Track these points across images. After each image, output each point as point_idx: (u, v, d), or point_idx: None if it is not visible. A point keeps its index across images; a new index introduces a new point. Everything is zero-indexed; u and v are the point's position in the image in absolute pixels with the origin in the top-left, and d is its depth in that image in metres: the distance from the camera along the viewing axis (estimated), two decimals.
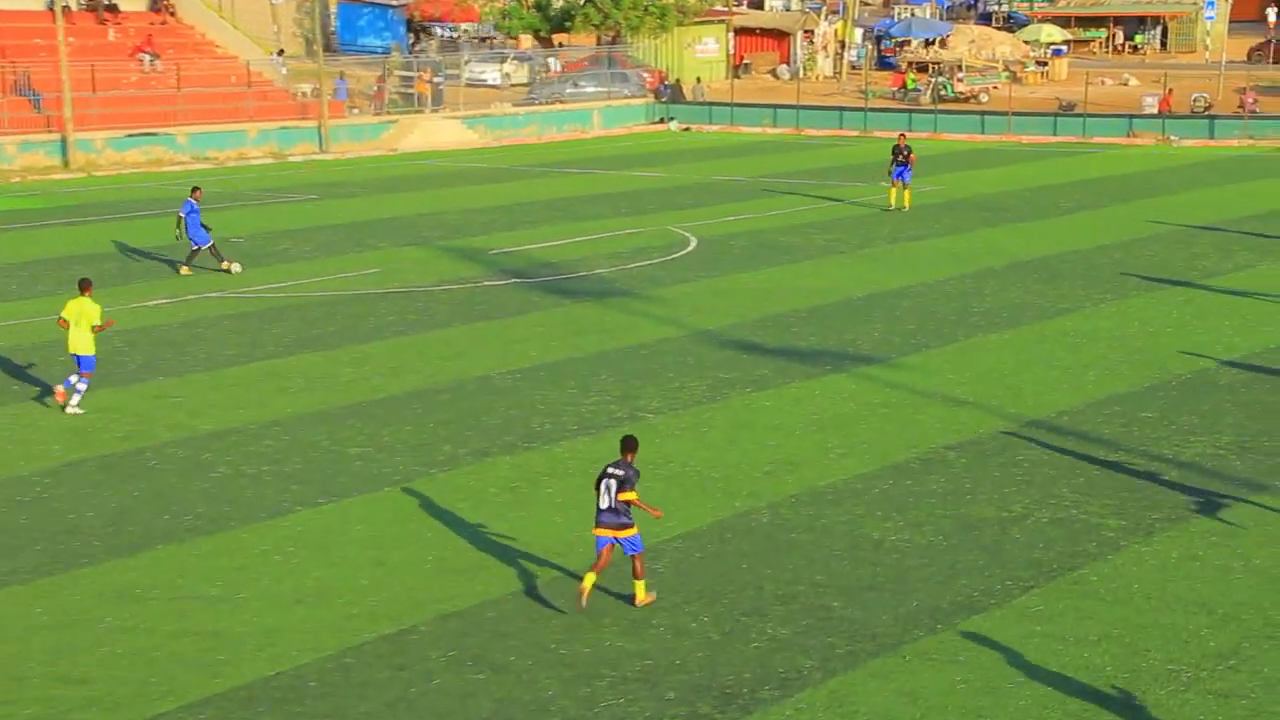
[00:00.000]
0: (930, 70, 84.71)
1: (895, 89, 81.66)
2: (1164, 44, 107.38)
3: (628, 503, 15.47)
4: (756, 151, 63.36)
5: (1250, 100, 68.58)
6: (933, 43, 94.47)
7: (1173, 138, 65.36)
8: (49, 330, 28.62)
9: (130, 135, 59.05)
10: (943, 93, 77.99)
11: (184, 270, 35.06)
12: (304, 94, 67.48)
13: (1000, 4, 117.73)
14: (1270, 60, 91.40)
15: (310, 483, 20.05)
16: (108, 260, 36.67)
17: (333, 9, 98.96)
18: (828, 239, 39.76)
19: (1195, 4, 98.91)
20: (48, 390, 24.58)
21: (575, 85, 77.86)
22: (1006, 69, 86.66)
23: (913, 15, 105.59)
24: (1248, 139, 64.39)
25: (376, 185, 53.10)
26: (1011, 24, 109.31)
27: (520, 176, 55.79)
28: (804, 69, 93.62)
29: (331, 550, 17.61)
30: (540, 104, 75.75)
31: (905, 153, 44.26)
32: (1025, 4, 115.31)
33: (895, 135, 48.25)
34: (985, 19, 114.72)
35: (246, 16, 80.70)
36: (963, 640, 14.92)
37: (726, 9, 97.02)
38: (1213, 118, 67.76)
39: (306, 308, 31.40)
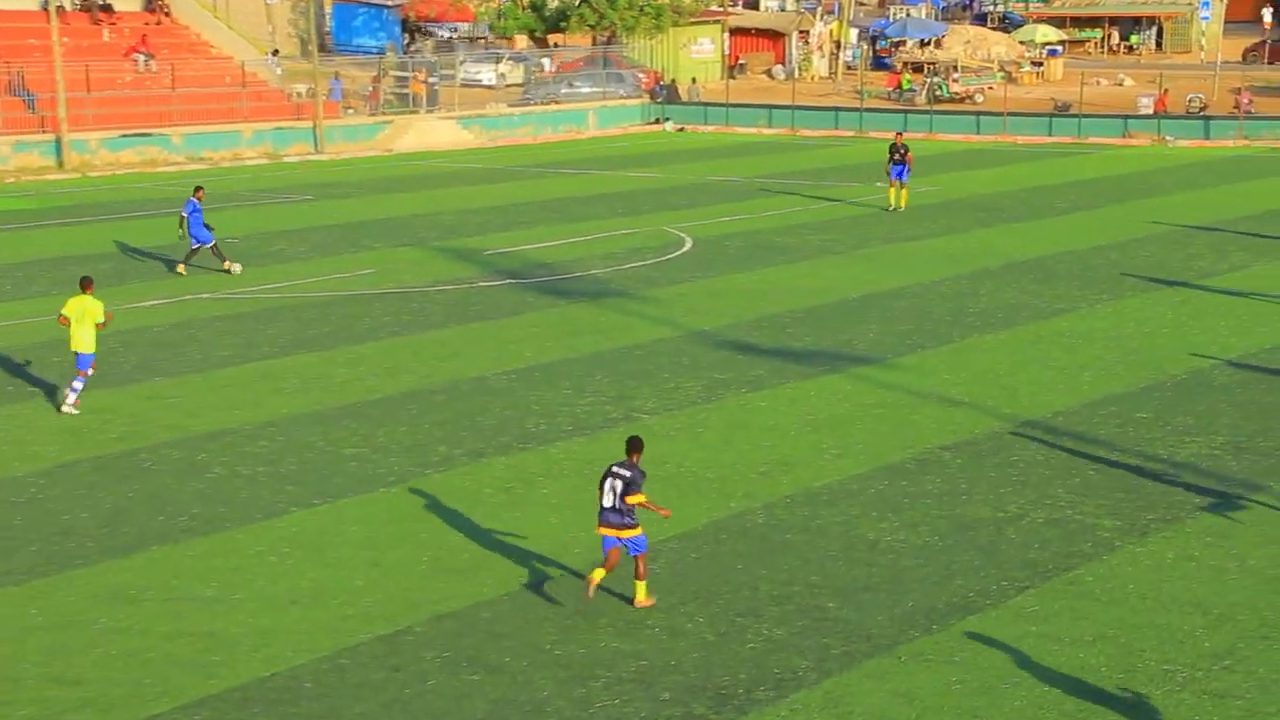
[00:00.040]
0: (925, 71, 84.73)
1: (891, 89, 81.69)
2: (1159, 44, 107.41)
3: (637, 505, 15.49)
4: (752, 152, 63.37)
5: (1245, 101, 68.63)
6: (928, 43, 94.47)
7: (1168, 138, 65.40)
8: (44, 331, 28.60)
9: (125, 136, 59.00)
10: (938, 93, 78.01)
11: (180, 269, 35.05)
12: (299, 94, 67.44)
13: (995, 4, 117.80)
14: (1265, 61, 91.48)
15: (305, 483, 20.04)
16: (103, 261, 36.62)
17: (328, 9, 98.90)
18: (823, 239, 39.77)
19: (1190, 4, 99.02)
20: (45, 391, 24.57)
21: (570, 86, 77.83)
22: (1002, 69, 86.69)
23: (908, 15, 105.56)
24: (1243, 139, 64.44)
25: (372, 186, 53.08)
26: (1007, 24, 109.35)
27: (515, 177, 55.78)
28: (799, 69, 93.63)
29: (327, 551, 17.60)
30: (535, 104, 75.74)
31: (902, 152, 44.30)
32: (1021, 4, 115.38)
33: (891, 135, 48.28)
34: (980, 19, 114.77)
35: (241, 17, 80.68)
36: (958, 641, 14.92)
37: (722, 9, 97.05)
38: (1208, 118, 67.83)
39: (301, 308, 31.38)
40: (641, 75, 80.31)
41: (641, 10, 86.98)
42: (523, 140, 70.29)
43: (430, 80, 71.21)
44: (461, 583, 16.57)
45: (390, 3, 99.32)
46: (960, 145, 65.92)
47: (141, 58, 63.64)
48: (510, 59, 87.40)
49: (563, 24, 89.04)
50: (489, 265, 36.39)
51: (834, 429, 22.39)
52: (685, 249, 38.38)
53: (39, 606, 16.04)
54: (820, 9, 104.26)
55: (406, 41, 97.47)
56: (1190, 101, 72.06)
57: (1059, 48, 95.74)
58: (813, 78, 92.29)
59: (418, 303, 31.85)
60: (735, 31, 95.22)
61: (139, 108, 60.40)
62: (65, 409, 23.29)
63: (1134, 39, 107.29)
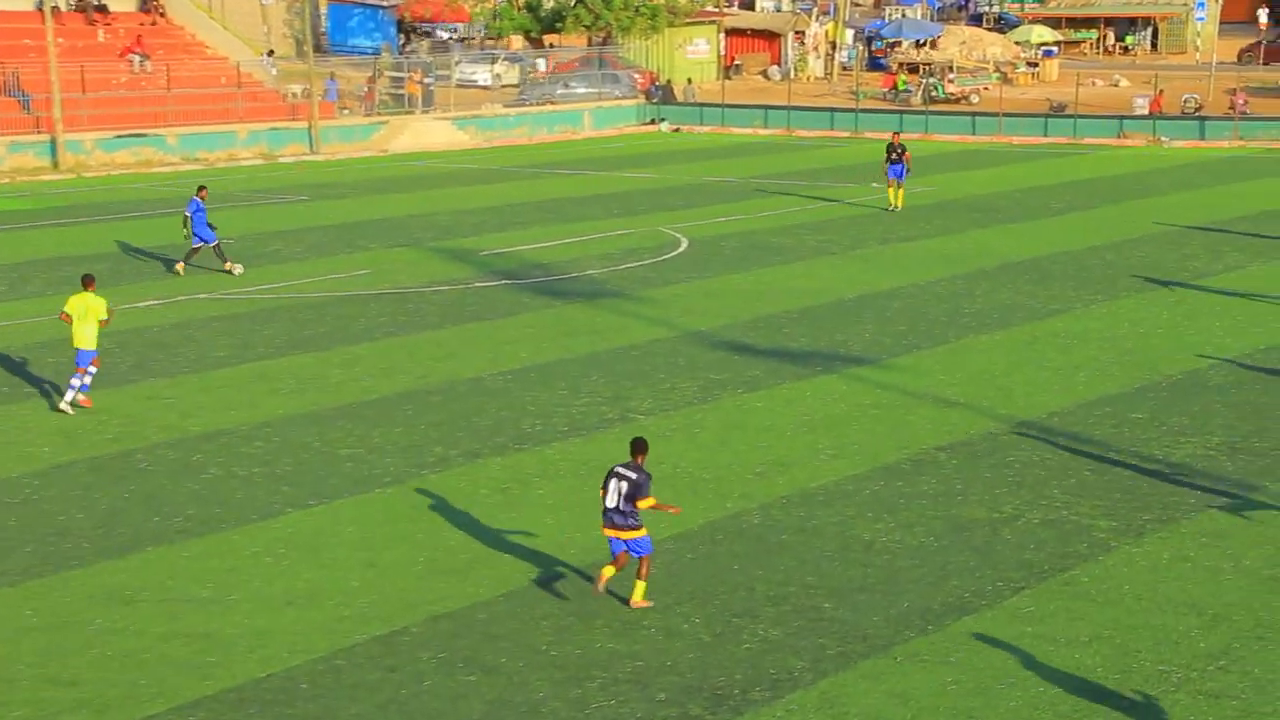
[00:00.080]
0: (921, 71, 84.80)
1: (886, 90, 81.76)
2: (1154, 45, 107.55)
3: (649, 508, 15.55)
4: (747, 152, 63.38)
5: (1240, 101, 68.70)
6: (924, 44, 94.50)
7: (1163, 139, 65.46)
8: (39, 331, 28.60)
9: (120, 136, 58.96)
10: (934, 94, 78.07)
11: (179, 268, 35.03)
12: (294, 95, 67.40)
13: (991, 5, 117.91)
14: (1260, 61, 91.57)
15: (301, 484, 20.03)
16: (98, 261, 36.55)
17: (323, 10, 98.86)
18: (819, 240, 39.78)
19: (1186, 5, 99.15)
20: (40, 392, 24.56)
21: (566, 86, 77.84)
22: (997, 70, 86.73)
23: (904, 16, 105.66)
24: (1238, 140, 64.51)
25: (367, 186, 53.06)
26: (1002, 25, 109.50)
27: (511, 177, 55.77)
28: (795, 70, 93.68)
29: (322, 552, 17.59)
30: (531, 105, 75.72)
31: (899, 151, 44.32)
32: (1016, 5, 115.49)
33: (889, 136, 48.27)
34: (976, 20, 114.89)
35: (236, 17, 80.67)
36: (954, 641, 14.93)
37: (717, 10, 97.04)
38: (1203, 119, 67.89)
39: (297, 309, 31.37)
40: (637, 76, 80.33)
41: (637, 11, 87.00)
42: (518, 141, 70.28)
43: (425, 81, 71.20)
44: (457, 583, 16.56)
45: (385, 3, 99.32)
46: (956, 146, 65.95)
47: (137, 58, 63.60)
48: (506, 59, 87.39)
49: (558, 24, 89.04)
50: (485, 266, 36.38)
51: (830, 429, 22.39)
52: (681, 249, 38.38)
53: (34, 607, 16.03)
54: (816, 10, 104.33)
55: (402, 42, 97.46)
56: (1185, 102, 72.14)
57: (1054, 48, 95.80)
58: (808, 78, 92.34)
59: (413, 303, 31.84)
60: (731, 32, 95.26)
61: (134, 108, 60.36)
62: (63, 405, 23.29)
63: (1129, 40, 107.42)
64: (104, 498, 19.55)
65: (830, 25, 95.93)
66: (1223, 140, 64.70)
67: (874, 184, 48.59)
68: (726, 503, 19.18)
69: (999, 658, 14.53)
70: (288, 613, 15.83)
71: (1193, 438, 21.82)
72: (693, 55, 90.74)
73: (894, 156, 44.24)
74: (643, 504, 15.47)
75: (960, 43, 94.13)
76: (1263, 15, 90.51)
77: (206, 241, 34.63)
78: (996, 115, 70.22)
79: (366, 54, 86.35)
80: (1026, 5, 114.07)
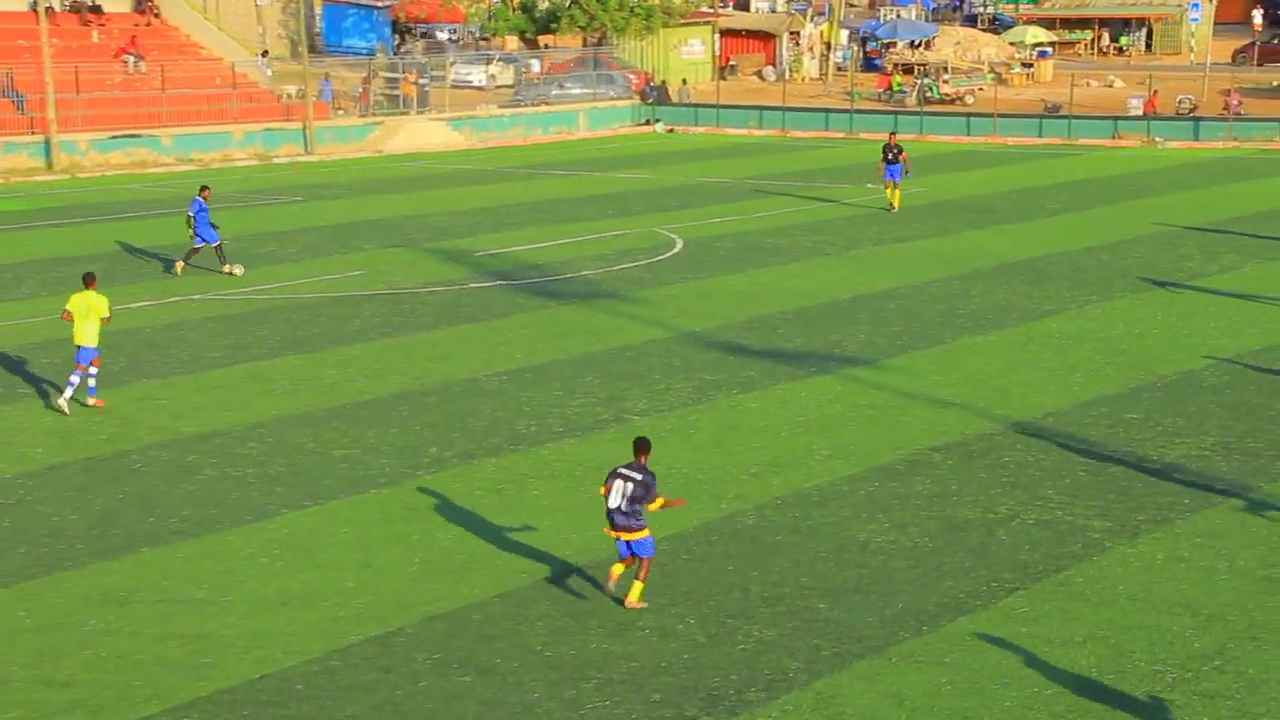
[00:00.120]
0: (916, 72, 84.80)
1: (881, 91, 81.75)
2: (1149, 46, 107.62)
3: (659, 509, 15.60)
4: (742, 153, 63.39)
5: (1235, 102, 68.74)
6: (918, 45, 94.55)
7: (1158, 139, 65.50)
8: (33, 332, 28.58)
9: (114, 137, 58.89)
10: (928, 94, 78.08)
11: (178, 268, 34.97)
12: (289, 95, 67.34)
13: (985, 6, 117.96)
14: (1255, 62, 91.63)
15: (295, 485, 20.01)
16: (92, 262, 36.42)
17: (318, 10, 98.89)
18: (814, 240, 39.79)
19: (1180, 6, 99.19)
20: (34, 392, 24.53)
21: (561, 87, 77.83)
22: (992, 71, 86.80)
23: (898, 17, 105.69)
24: (1232, 141, 64.55)
25: (362, 187, 53.04)
26: (997, 26, 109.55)
27: (506, 178, 55.76)
28: (790, 71, 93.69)
29: (317, 553, 17.57)
30: (526, 106, 75.71)
31: (895, 152, 44.32)
32: (1010, 6, 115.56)
33: (885, 136, 48.21)
34: (970, 21, 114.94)
35: (231, 18, 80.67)
36: (949, 642, 14.93)
37: (712, 10, 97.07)
38: (1198, 119, 67.91)
39: (291, 309, 31.34)
40: (632, 76, 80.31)
41: (632, 11, 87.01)
42: (513, 141, 70.25)
43: (421, 81, 71.16)
44: (452, 584, 16.55)
45: (380, 4, 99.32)
46: (951, 147, 65.97)
47: (131, 59, 63.53)
48: (501, 60, 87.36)
49: (553, 25, 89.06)
50: (480, 266, 36.36)
51: (824, 430, 22.39)
52: (676, 250, 38.38)
53: (28, 608, 16.00)
54: (811, 10, 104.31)
55: (397, 43, 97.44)
56: (1180, 103, 72.17)
57: (1049, 49, 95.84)
58: (803, 79, 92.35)
59: (408, 304, 31.82)
60: (726, 33, 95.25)
61: (128, 109, 60.30)
62: (60, 403, 23.28)
63: (1124, 40, 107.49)
64: (98, 499, 19.53)
65: (825, 26, 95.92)
66: (1217, 141, 64.75)
67: (868, 184, 48.60)
68: (721, 503, 19.17)
69: (994, 658, 14.54)
70: (282, 614, 15.81)
71: (1188, 438, 21.83)
72: (687, 56, 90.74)
73: (891, 157, 44.26)
74: (652, 506, 15.52)
75: (955, 43, 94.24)
76: (1257, 16, 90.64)
77: (209, 242, 34.56)
78: (991, 116, 70.24)
79: (361, 55, 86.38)
80: (1021, 6, 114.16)
